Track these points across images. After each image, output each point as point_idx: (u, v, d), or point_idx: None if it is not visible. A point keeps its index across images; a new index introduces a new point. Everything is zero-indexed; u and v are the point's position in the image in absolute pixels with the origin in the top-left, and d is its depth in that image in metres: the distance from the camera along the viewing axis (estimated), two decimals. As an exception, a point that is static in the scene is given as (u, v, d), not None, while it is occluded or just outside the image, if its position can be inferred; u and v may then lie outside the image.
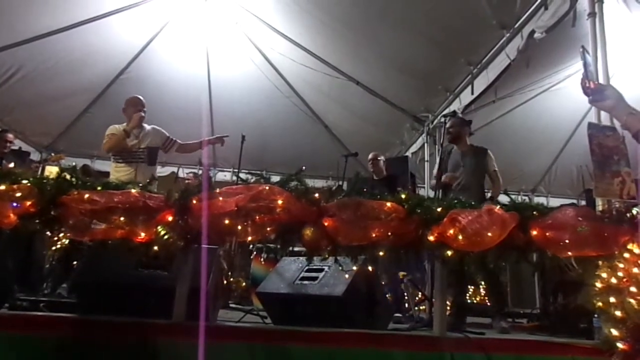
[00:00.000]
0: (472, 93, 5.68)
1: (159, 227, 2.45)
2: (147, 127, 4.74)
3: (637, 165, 2.69)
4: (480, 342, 2.68)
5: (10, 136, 5.58)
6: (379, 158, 5.82)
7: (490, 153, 4.52)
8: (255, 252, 5.80)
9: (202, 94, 7.43)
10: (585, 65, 2.66)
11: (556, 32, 4.27)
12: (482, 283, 5.23)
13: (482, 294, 6.36)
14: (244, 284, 5.69)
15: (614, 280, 2.40)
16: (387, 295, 4.76)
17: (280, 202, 2.48)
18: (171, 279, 2.70)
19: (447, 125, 4.70)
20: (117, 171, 4.50)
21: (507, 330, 3.76)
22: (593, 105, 2.83)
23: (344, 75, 6.70)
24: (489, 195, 4.54)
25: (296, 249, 3.05)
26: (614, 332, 2.35)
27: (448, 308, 4.33)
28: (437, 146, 6.12)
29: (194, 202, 2.50)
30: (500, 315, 4.02)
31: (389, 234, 2.54)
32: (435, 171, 4.75)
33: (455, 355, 2.54)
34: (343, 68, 6.64)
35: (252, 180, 2.68)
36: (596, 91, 2.51)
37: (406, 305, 5.29)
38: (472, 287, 5.59)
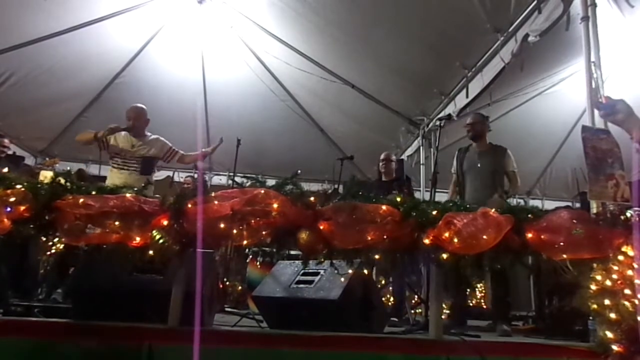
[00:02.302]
0: (467, 96, 5.69)
1: (154, 232, 2.45)
2: (151, 136, 4.75)
3: (631, 168, 2.70)
4: (476, 345, 2.68)
5: (6, 141, 5.56)
6: (391, 159, 5.73)
7: (509, 152, 4.48)
8: (250, 256, 5.79)
9: (198, 97, 7.43)
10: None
11: (550, 35, 4.28)
12: (482, 285, 5.17)
13: (479, 297, 6.38)
14: (239, 287, 5.68)
15: (608, 283, 2.42)
16: (384, 298, 4.75)
17: (275, 205, 2.49)
18: (166, 284, 2.69)
19: (469, 122, 4.68)
20: (111, 177, 4.51)
21: (509, 334, 3.70)
22: (604, 119, 2.87)
23: (339, 79, 6.71)
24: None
25: (292, 252, 3.05)
26: (609, 334, 2.36)
27: (447, 311, 4.33)
28: (432, 149, 6.12)
29: (189, 206, 2.49)
30: (503, 319, 3.95)
31: (385, 237, 2.55)
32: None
33: (451, 358, 2.54)
34: (338, 72, 6.65)
35: (247, 184, 2.68)
36: (607, 106, 2.55)
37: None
38: (469, 290, 5.59)
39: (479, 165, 4.48)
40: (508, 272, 3.87)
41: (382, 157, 5.70)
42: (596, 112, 3.28)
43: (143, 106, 4.79)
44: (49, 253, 4.85)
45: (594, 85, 3.37)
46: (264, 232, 2.53)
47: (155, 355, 2.34)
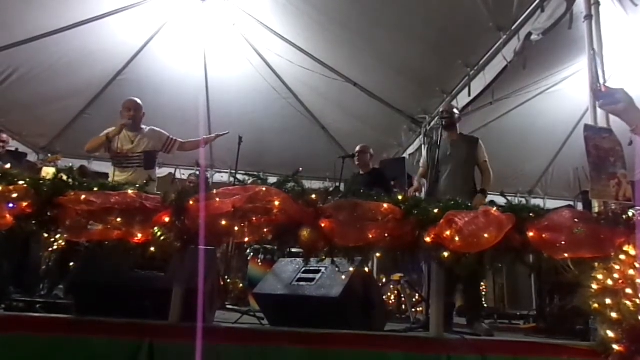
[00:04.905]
0: (469, 95, 5.68)
1: (155, 228, 2.45)
2: (145, 129, 4.73)
3: (633, 167, 2.70)
4: (477, 344, 2.68)
5: (4, 136, 5.56)
6: (366, 151, 5.71)
7: (481, 143, 4.41)
8: (252, 254, 5.80)
9: (200, 95, 7.43)
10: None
11: (553, 34, 4.28)
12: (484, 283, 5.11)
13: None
14: (240, 285, 5.69)
15: (609, 282, 2.42)
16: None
17: (277, 203, 2.49)
18: (168, 280, 2.69)
19: (443, 109, 4.64)
20: (117, 176, 4.51)
21: (491, 332, 3.57)
22: (603, 109, 2.82)
23: (342, 77, 6.71)
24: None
25: (293, 250, 3.05)
26: (610, 333, 2.36)
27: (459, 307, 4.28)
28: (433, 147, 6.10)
29: (191, 203, 2.49)
30: (478, 319, 3.80)
31: (386, 235, 2.55)
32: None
33: (451, 357, 2.54)
34: (340, 70, 6.64)
35: (249, 182, 2.68)
36: (607, 95, 2.49)
37: (403, 307, 5.31)
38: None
39: (449, 153, 4.36)
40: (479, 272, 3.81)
41: (357, 149, 5.70)
42: (598, 111, 3.29)
43: (139, 100, 4.78)
44: (50, 249, 4.86)
45: (595, 75, 3.33)
46: (265, 230, 2.52)
47: (156, 352, 2.34)
